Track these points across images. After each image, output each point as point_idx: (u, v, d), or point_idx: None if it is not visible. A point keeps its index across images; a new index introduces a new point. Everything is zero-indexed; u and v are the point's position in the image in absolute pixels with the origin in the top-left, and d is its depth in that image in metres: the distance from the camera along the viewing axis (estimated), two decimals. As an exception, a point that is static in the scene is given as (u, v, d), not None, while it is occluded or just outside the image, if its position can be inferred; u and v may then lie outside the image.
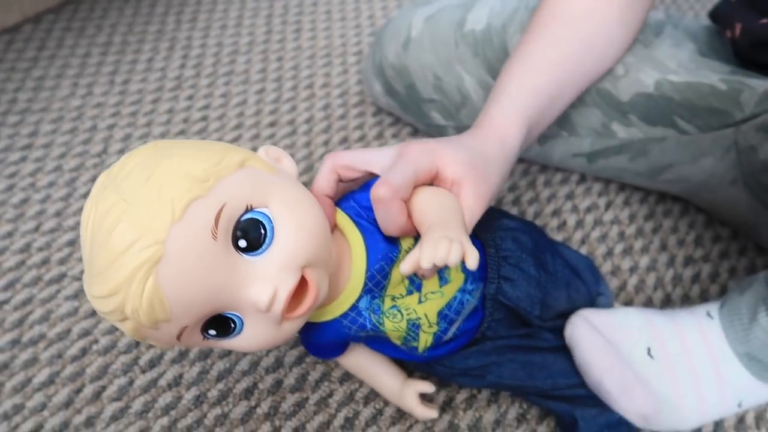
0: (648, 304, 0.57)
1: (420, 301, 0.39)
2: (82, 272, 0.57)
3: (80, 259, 0.57)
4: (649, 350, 0.40)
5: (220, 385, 0.50)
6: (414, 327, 0.40)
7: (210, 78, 0.76)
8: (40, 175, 0.64)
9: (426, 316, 0.40)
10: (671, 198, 0.65)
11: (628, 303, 0.57)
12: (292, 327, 0.34)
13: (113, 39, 0.80)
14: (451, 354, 0.43)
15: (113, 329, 0.53)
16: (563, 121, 0.58)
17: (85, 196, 0.63)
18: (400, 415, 0.49)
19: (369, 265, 0.37)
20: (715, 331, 0.41)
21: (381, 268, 0.37)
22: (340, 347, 0.43)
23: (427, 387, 0.46)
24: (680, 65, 0.54)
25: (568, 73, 0.48)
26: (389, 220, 0.35)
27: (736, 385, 0.41)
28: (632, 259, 0.61)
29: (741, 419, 0.50)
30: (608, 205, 0.65)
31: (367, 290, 0.38)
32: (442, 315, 0.40)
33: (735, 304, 0.42)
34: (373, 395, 0.50)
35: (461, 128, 0.63)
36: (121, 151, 0.67)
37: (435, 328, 0.40)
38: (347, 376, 0.51)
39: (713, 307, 0.43)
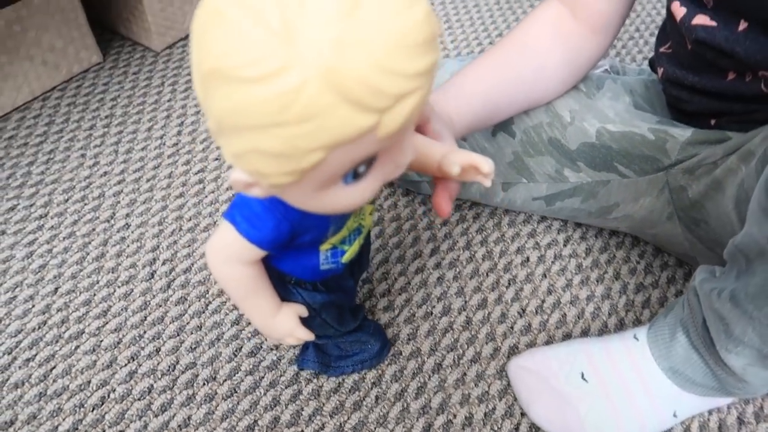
0: (603, 329, 0.64)
1: (371, 213, 0.46)
2: (98, 329, 0.63)
3: (96, 317, 0.64)
4: (582, 374, 0.47)
5: (225, 424, 0.57)
6: (358, 231, 0.45)
7: (205, 143, 0.84)
8: (56, 242, 0.72)
9: (367, 227, 0.46)
10: (624, 232, 0.73)
11: (586, 330, 0.64)
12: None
13: (115, 111, 0.89)
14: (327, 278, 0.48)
15: (128, 379, 0.59)
16: (523, 169, 0.66)
17: (98, 258, 0.70)
18: (385, 441, 0.56)
19: None
20: (640, 351, 0.48)
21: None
22: (286, 233, 0.39)
23: (303, 311, 0.47)
24: (617, 115, 0.62)
25: (511, 91, 0.58)
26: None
27: (665, 397, 0.48)
28: (589, 289, 0.68)
29: (686, 429, 0.57)
30: (567, 241, 0.73)
31: None
32: (368, 235, 0.47)
33: (659, 325, 0.49)
34: (360, 425, 0.57)
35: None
36: (128, 216, 0.75)
37: (362, 242, 0.47)
38: (337, 410, 0.58)
39: (640, 330, 0.51)
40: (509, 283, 0.68)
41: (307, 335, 0.47)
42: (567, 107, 0.63)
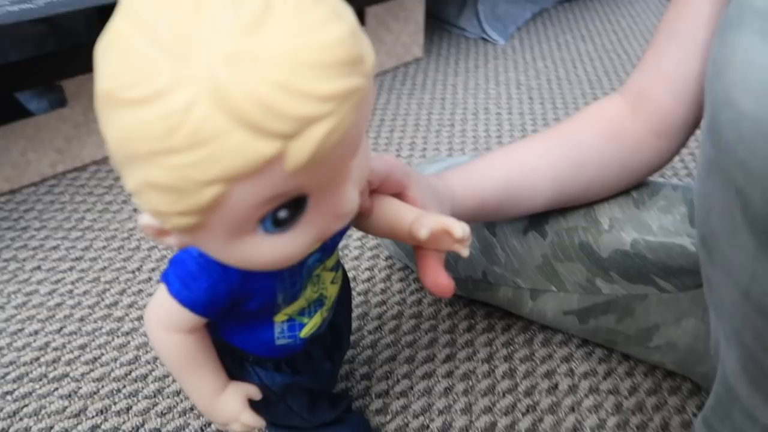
0: (635, 488, 0.52)
1: (332, 282, 0.40)
2: (82, 375, 0.61)
3: (86, 362, 0.62)
4: None
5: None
6: (319, 302, 0.40)
7: (248, 214, 0.84)
8: (79, 284, 0.72)
9: (330, 298, 0.41)
10: (681, 375, 0.61)
11: (612, 484, 0.52)
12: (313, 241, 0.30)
13: (179, 175, 0.92)
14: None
15: (91, 429, 0.56)
16: (552, 276, 0.58)
17: (110, 306, 0.69)
18: None
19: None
20: None
21: (342, 233, 0.38)
22: (224, 297, 0.34)
23: (256, 392, 0.40)
24: (661, 228, 0.54)
25: (537, 182, 0.52)
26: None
27: None
28: (625, 436, 0.56)
29: None
30: (608, 374, 0.62)
31: (321, 248, 0.36)
32: (333, 306, 0.42)
33: None
34: None
35: (458, 280, 0.65)
36: (153, 270, 0.74)
37: (326, 315, 0.41)
38: None
39: None
40: (528, 410, 0.58)
41: (254, 421, 0.39)
42: (608, 214, 0.56)
